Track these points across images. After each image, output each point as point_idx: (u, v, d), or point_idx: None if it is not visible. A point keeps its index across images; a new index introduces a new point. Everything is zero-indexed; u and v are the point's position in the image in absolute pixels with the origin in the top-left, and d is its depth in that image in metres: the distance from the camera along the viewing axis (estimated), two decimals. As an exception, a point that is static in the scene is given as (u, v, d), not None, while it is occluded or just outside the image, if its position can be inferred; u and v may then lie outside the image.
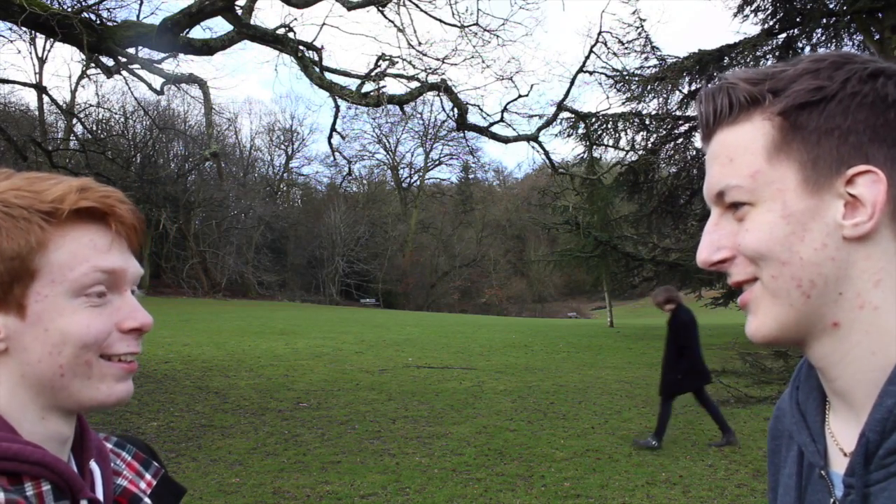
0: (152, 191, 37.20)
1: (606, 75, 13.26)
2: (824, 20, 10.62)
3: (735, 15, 11.75)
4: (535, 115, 14.02)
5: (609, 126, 13.91)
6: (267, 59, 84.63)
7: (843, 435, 0.63)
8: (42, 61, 31.90)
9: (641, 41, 13.01)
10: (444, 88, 10.12)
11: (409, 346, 14.93)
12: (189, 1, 7.69)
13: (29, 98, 45.79)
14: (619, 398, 8.99)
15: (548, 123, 12.51)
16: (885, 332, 0.58)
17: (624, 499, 4.93)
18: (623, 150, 14.52)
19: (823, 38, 11.20)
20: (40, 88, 19.14)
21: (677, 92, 12.50)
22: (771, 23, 11.33)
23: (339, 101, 9.95)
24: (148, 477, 0.81)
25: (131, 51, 8.64)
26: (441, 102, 12.04)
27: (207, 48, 8.51)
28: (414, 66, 10.75)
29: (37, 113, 30.96)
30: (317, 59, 9.23)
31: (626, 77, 12.96)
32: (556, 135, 18.38)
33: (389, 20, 10.60)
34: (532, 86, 39.89)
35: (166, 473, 0.84)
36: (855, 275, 0.58)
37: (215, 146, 8.73)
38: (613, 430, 7.07)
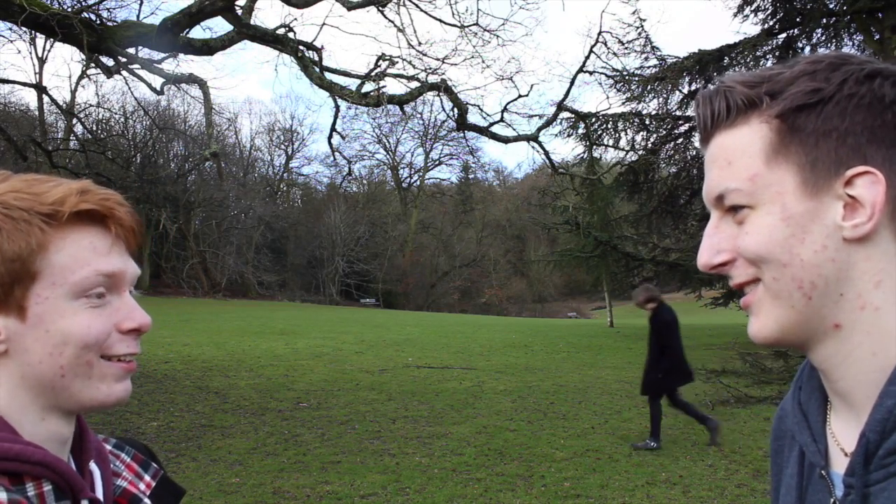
0: (152, 191, 37.20)
1: (606, 75, 13.26)
2: (824, 20, 10.61)
3: (735, 15, 11.75)
4: (535, 115, 14.03)
5: (609, 126, 13.92)
6: (267, 59, 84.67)
7: (844, 435, 0.63)
8: (42, 61, 31.92)
9: (641, 41, 13.02)
10: (444, 88, 10.12)
11: (409, 346, 14.94)
12: (189, 1, 7.69)
13: (29, 98, 45.78)
14: (619, 398, 8.99)
15: (548, 123, 12.51)
16: (885, 333, 0.58)
17: (624, 499, 4.94)
18: (623, 150, 14.53)
19: (823, 38, 11.20)
20: (40, 88, 19.14)
21: (677, 92, 12.51)
22: (771, 23, 11.33)
23: (339, 101, 9.95)
24: (147, 478, 0.81)
25: (131, 51, 8.64)
26: (441, 102, 12.05)
27: (207, 48, 8.51)
28: (414, 66, 10.76)
29: (37, 113, 30.97)
30: (317, 59, 9.23)
31: (626, 77, 12.96)
32: (556, 135, 18.39)
33: (389, 20, 10.60)
34: (532, 86, 39.92)
35: (165, 474, 0.84)
36: (855, 276, 0.58)
37: (215, 146, 8.73)
38: (613, 430, 7.07)
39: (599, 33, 12.86)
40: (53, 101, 21.65)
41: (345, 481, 5.31)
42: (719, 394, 8.57)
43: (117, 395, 0.70)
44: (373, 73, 9.67)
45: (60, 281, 0.66)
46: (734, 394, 8.41)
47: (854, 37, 10.83)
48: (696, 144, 13.45)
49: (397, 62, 10.11)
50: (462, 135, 16.11)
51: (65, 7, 7.92)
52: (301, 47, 8.98)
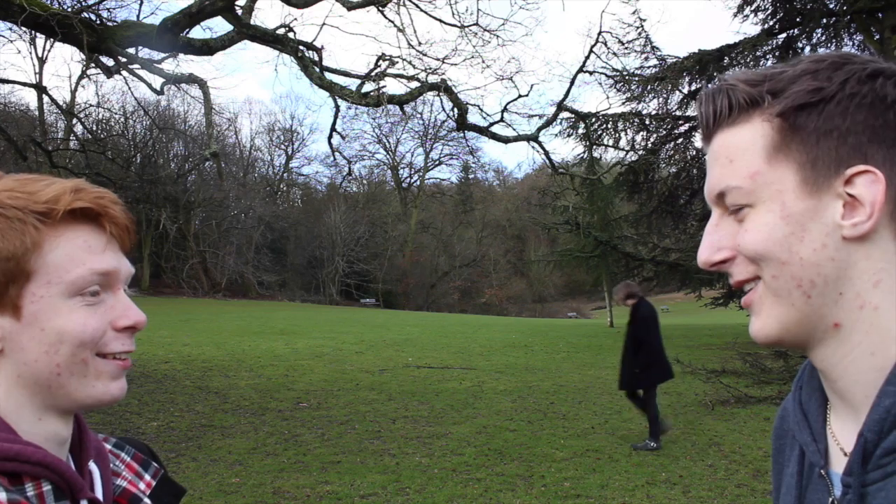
0: (152, 191, 37.20)
1: (606, 75, 13.26)
2: (824, 20, 10.61)
3: (735, 15, 11.75)
4: (535, 115, 14.05)
5: (609, 126, 13.92)
6: (267, 59, 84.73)
7: (843, 435, 0.63)
8: (42, 61, 31.92)
9: (641, 41, 13.01)
10: (444, 88, 10.12)
11: (409, 346, 14.94)
12: (189, 1, 7.69)
13: (29, 98, 45.89)
14: (619, 398, 8.97)
15: (548, 123, 12.51)
16: (884, 333, 0.58)
17: (624, 499, 4.93)
18: (623, 150, 14.53)
19: (823, 38, 11.20)
20: (40, 88, 19.15)
21: (677, 92, 12.51)
22: (771, 23, 11.32)
23: (339, 101, 9.95)
24: (147, 478, 0.81)
25: (131, 51, 8.63)
26: (441, 102, 12.05)
27: (207, 48, 8.51)
28: (414, 66, 10.76)
29: (37, 113, 30.97)
30: (317, 59, 9.23)
31: (626, 77, 12.96)
32: (556, 135, 18.39)
33: (389, 20, 10.59)
34: (532, 86, 39.92)
35: (165, 474, 0.84)
36: (855, 275, 0.58)
37: (215, 146, 8.72)
38: (613, 430, 7.07)
39: (599, 33, 12.86)
40: (53, 101, 21.64)
41: (345, 481, 5.31)
42: (719, 394, 8.57)
43: (113, 393, 0.70)
44: (373, 73, 9.67)
45: (55, 280, 0.66)
46: (734, 394, 8.41)
47: (854, 37, 10.83)
48: (697, 144, 13.45)
49: (397, 62, 10.11)
50: (462, 135, 16.10)
51: (65, 7, 7.92)
52: (301, 47, 8.98)
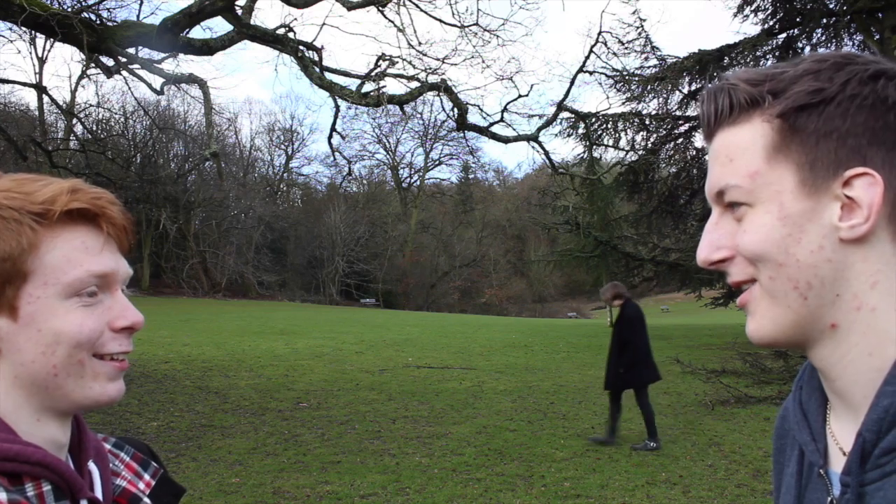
0: (152, 191, 37.20)
1: (606, 75, 13.26)
2: (824, 20, 10.62)
3: (735, 15, 11.76)
4: (535, 115, 14.06)
5: (609, 126, 13.92)
6: (267, 59, 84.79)
7: (842, 434, 0.63)
8: (42, 61, 31.94)
9: (641, 41, 13.02)
10: (444, 88, 10.12)
11: (409, 346, 14.94)
12: (189, 1, 7.69)
13: (29, 98, 45.87)
14: (619, 398, 8.99)
15: (548, 123, 12.51)
16: (882, 334, 0.58)
17: (624, 499, 4.93)
18: (623, 150, 14.54)
19: (823, 38, 11.20)
20: (40, 88, 19.15)
21: (677, 92, 12.51)
22: (771, 23, 11.33)
23: (339, 101, 9.95)
24: (146, 477, 0.81)
25: (131, 51, 8.64)
26: (441, 102, 12.05)
27: (207, 48, 8.51)
28: (414, 66, 10.76)
29: (37, 113, 30.98)
30: (317, 59, 9.23)
31: (626, 77, 12.96)
32: (556, 135, 18.39)
33: (389, 20, 10.59)
34: (532, 86, 39.95)
35: (165, 473, 0.84)
36: (852, 276, 0.58)
37: (215, 146, 8.72)
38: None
39: (599, 33, 12.87)
40: (53, 101, 21.68)
41: (345, 481, 5.31)
42: (719, 394, 8.57)
43: (110, 393, 0.70)
44: (373, 73, 9.67)
45: (52, 280, 0.65)
46: (734, 394, 8.41)
47: (854, 37, 10.83)
48: (697, 144, 13.45)
49: (397, 62, 10.11)
50: (462, 135, 16.11)
51: (65, 7, 7.92)
52: (301, 47, 8.98)
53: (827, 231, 0.58)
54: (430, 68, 10.96)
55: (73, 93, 31.13)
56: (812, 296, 0.59)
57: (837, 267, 0.58)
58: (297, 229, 49.16)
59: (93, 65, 11.31)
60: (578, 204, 18.26)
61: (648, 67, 12.95)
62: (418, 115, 48.11)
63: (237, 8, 8.27)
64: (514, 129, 14.36)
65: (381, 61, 9.81)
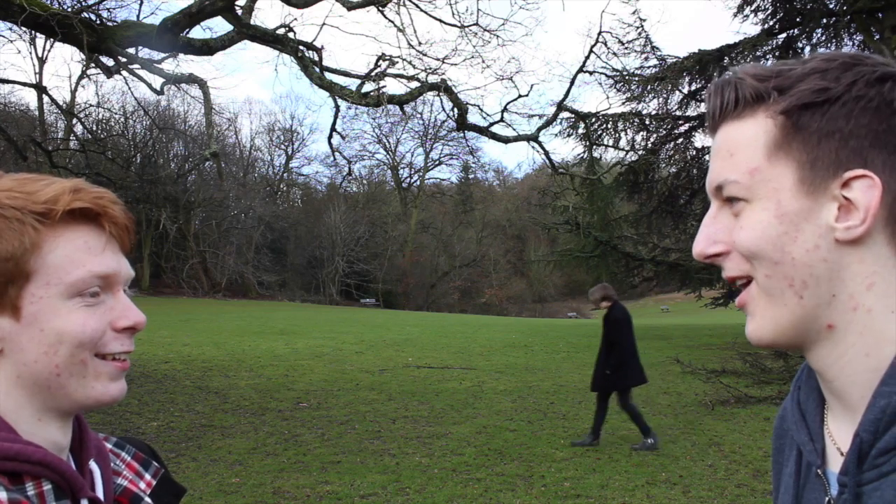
0: (152, 191, 37.18)
1: (606, 75, 13.26)
2: (824, 20, 10.62)
3: (735, 15, 11.76)
4: (535, 115, 14.04)
5: (609, 126, 13.92)
6: (267, 59, 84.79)
7: (840, 435, 0.63)
8: (42, 61, 31.95)
9: (641, 41, 13.02)
10: (444, 88, 10.12)
11: (409, 346, 14.94)
12: (189, 1, 7.69)
13: (29, 98, 45.93)
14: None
15: (548, 123, 12.50)
16: (878, 334, 0.58)
17: (624, 499, 4.94)
18: (623, 150, 14.53)
19: (823, 38, 11.21)
20: (40, 88, 19.15)
21: (677, 92, 12.52)
22: (771, 23, 11.33)
23: (339, 101, 9.95)
24: (147, 477, 0.81)
25: (131, 51, 8.63)
26: (441, 102, 12.04)
27: (207, 48, 8.51)
28: (414, 66, 10.75)
29: (37, 113, 30.99)
30: (317, 59, 9.23)
31: (626, 77, 12.96)
32: (556, 135, 18.37)
33: (389, 20, 10.59)
34: (532, 86, 39.90)
35: (166, 473, 0.84)
36: (847, 277, 0.58)
37: (215, 146, 8.72)
38: (613, 430, 7.06)
39: (599, 33, 12.84)
40: (53, 101, 21.66)
41: (345, 481, 5.31)
42: (719, 394, 8.57)
43: (112, 393, 0.70)
44: (373, 73, 9.67)
45: (55, 281, 0.66)
46: (734, 394, 8.41)
47: (854, 37, 10.83)
48: (697, 144, 13.45)
49: (397, 62, 10.11)
50: (462, 135, 16.10)
51: (65, 7, 7.92)
52: (301, 47, 8.98)
53: (823, 231, 0.58)
54: (430, 68, 10.96)
55: (73, 93, 31.17)
56: (808, 295, 0.59)
57: (833, 267, 0.58)
58: (297, 229, 49.17)
59: (93, 65, 11.32)
60: (578, 204, 18.24)
61: (648, 67, 12.96)
62: (418, 115, 48.16)
63: (237, 8, 8.27)
64: (514, 129, 14.36)
65: (381, 61, 9.81)
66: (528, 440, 6.67)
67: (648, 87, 12.41)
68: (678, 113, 13.08)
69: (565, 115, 13.26)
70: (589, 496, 4.99)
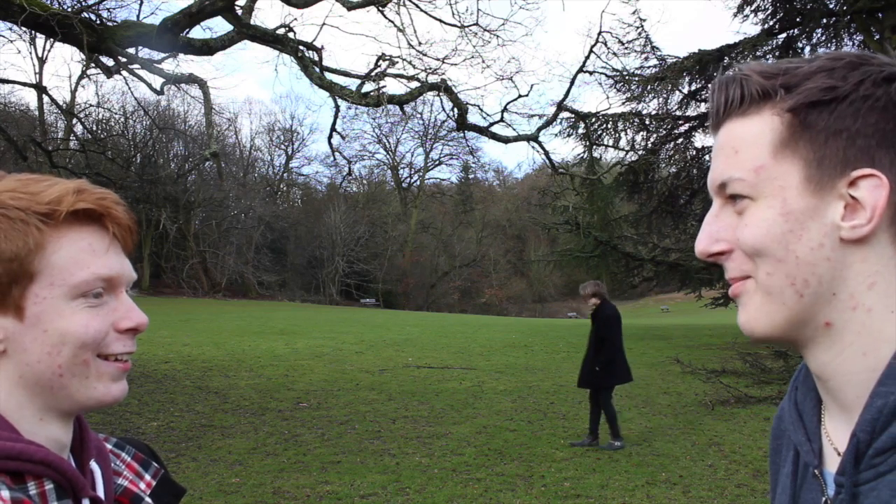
0: (152, 191, 37.20)
1: (606, 75, 13.25)
2: (824, 20, 10.62)
3: (735, 15, 11.76)
4: (535, 115, 14.02)
5: (609, 126, 13.92)
6: (267, 59, 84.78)
7: (837, 435, 0.63)
8: (42, 61, 31.95)
9: (641, 41, 13.02)
10: (444, 88, 10.12)
11: (409, 346, 14.94)
12: (189, 1, 7.69)
13: (29, 98, 45.91)
14: (618, 398, 8.97)
15: (548, 123, 12.51)
16: (876, 334, 0.58)
17: (624, 499, 4.94)
18: (623, 150, 14.53)
19: (823, 38, 11.21)
20: (40, 88, 19.15)
21: (677, 92, 12.51)
22: (771, 23, 11.33)
23: (339, 101, 9.95)
24: (147, 477, 0.81)
25: (131, 51, 8.64)
26: (441, 102, 12.05)
27: (207, 48, 8.51)
28: (414, 66, 10.76)
29: (37, 113, 30.99)
30: (317, 59, 9.23)
31: (626, 77, 12.96)
32: (556, 135, 18.36)
33: (389, 20, 10.59)
34: (532, 86, 39.90)
35: (166, 474, 0.84)
36: (850, 276, 0.58)
37: (215, 146, 8.73)
38: (613, 430, 7.06)
39: (599, 33, 12.85)
40: (53, 101, 21.66)
41: (345, 481, 5.32)
42: (719, 394, 8.57)
43: (114, 394, 0.70)
44: (373, 73, 9.67)
45: (59, 282, 0.66)
46: (734, 394, 8.42)
47: (854, 37, 10.83)
48: (697, 144, 13.44)
49: (397, 62, 10.11)
50: (462, 135, 16.10)
51: (65, 7, 7.92)
52: (301, 47, 8.98)
53: (828, 229, 0.58)
54: (430, 68, 10.97)
55: (73, 93, 31.15)
56: (809, 293, 0.59)
57: (836, 266, 0.58)
58: (297, 229, 49.17)
59: (93, 65, 11.32)
60: (578, 204, 18.24)
61: (648, 67, 12.95)
62: (418, 115, 48.13)
63: (237, 8, 8.27)
64: (514, 129, 14.36)
65: (381, 61, 9.82)
66: (528, 440, 6.67)
67: (648, 87, 12.41)
68: (678, 113, 13.08)
69: (565, 115, 13.27)
70: (589, 496, 4.99)
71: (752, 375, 9.28)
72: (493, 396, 9.03)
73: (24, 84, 23.68)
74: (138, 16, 9.29)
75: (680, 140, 13.63)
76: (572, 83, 12.68)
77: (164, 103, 36.69)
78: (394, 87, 61.46)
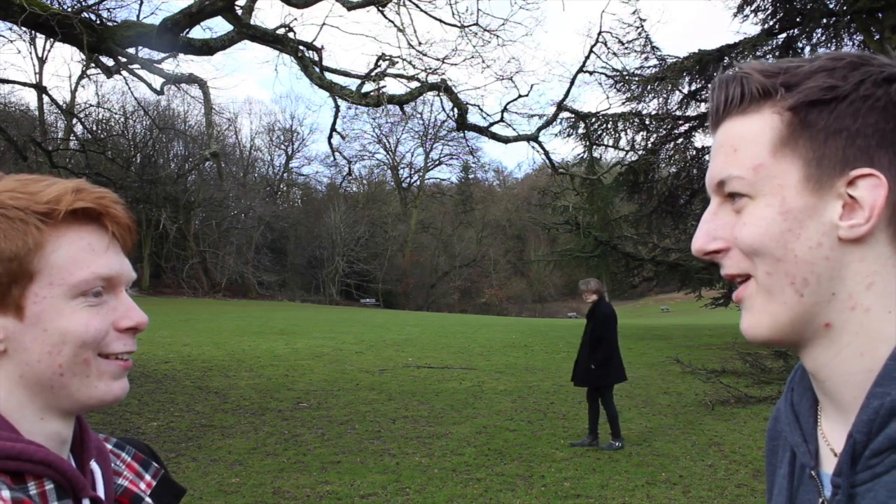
0: (152, 191, 37.20)
1: (606, 75, 13.25)
2: (824, 20, 10.62)
3: (735, 15, 11.76)
4: (535, 115, 14.01)
5: (609, 126, 13.92)
6: (267, 59, 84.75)
7: (833, 436, 0.63)
8: (42, 61, 31.96)
9: (641, 41, 13.02)
10: (444, 88, 10.12)
11: (409, 346, 14.94)
12: (189, 1, 7.70)
13: (29, 98, 45.87)
14: (618, 398, 8.96)
15: (548, 123, 12.51)
16: (874, 334, 0.58)
17: (624, 499, 4.94)
18: (623, 150, 14.53)
19: (823, 38, 11.21)
20: (40, 88, 19.15)
21: (677, 92, 12.51)
22: (771, 23, 11.33)
23: (339, 101, 9.95)
24: (147, 478, 0.81)
25: (131, 51, 8.64)
26: (441, 102, 12.04)
27: (207, 48, 8.51)
28: (414, 66, 10.76)
29: (37, 113, 30.99)
30: (317, 59, 9.23)
31: (626, 77, 12.96)
32: (556, 135, 18.35)
33: (389, 20, 10.59)
34: (532, 86, 39.90)
35: (166, 474, 0.84)
36: (848, 276, 0.58)
37: (215, 146, 8.73)
38: (613, 430, 7.06)
39: (599, 33, 12.85)
40: (53, 101, 21.65)
41: (345, 481, 5.32)
42: (719, 394, 8.57)
43: (115, 392, 0.70)
44: (373, 73, 9.67)
45: (58, 281, 0.66)
46: (734, 394, 8.42)
47: (854, 37, 10.83)
48: (697, 144, 13.44)
49: (397, 62, 10.11)
50: (462, 135, 16.11)
51: (65, 7, 7.92)
52: (301, 47, 8.98)
53: (827, 229, 0.58)
54: (430, 68, 10.97)
55: (73, 93, 31.15)
56: (808, 293, 0.59)
57: (834, 265, 0.58)
58: (297, 229, 49.17)
59: (93, 65, 11.32)
60: (578, 204, 18.24)
61: (648, 67, 12.95)
62: (418, 115, 48.14)
63: (237, 8, 8.27)
64: (514, 129, 14.35)
65: (381, 61, 9.82)
66: (528, 440, 6.67)
67: (648, 87, 12.41)
68: (678, 113, 13.08)
69: (565, 115, 13.27)
70: (589, 496, 4.99)
71: (752, 375, 9.28)
72: (493, 396, 9.03)
73: (24, 84, 23.70)
74: (138, 16, 9.29)
75: (680, 140, 13.64)
76: (572, 83, 12.69)
77: (164, 103, 36.73)
78: (394, 87, 61.46)
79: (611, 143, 14.28)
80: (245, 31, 8.47)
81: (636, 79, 12.76)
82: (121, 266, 0.71)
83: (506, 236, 57.31)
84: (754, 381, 8.99)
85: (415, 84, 10.35)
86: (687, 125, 13.27)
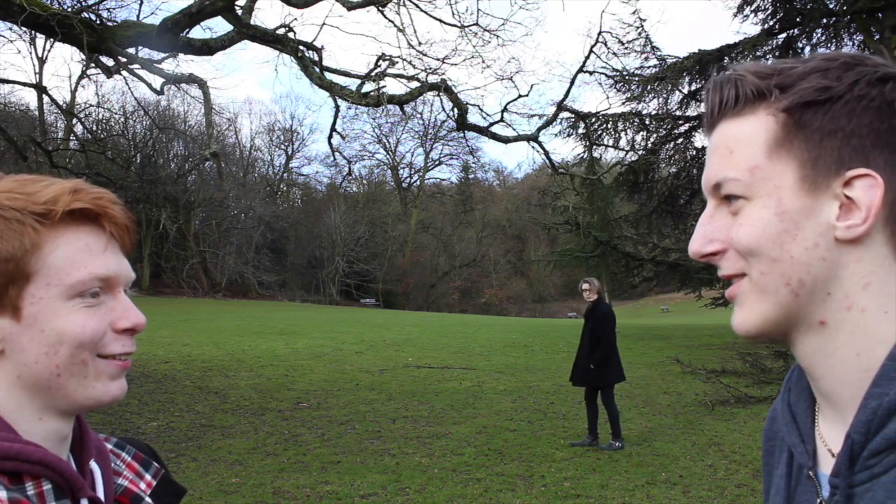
0: (152, 191, 37.20)
1: (606, 75, 13.26)
2: (824, 20, 10.61)
3: (735, 15, 11.76)
4: (535, 115, 14.01)
5: (609, 126, 13.92)
6: (267, 59, 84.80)
7: (831, 436, 0.63)
8: (42, 61, 31.96)
9: (641, 41, 13.02)
10: (444, 88, 10.12)
11: (409, 346, 14.94)
12: (189, 1, 7.70)
13: (29, 98, 45.86)
14: (618, 398, 8.95)
15: (548, 123, 12.51)
16: (870, 334, 0.58)
17: (624, 499, 4.94)
18: (623, 150, 14.53)
19: (823, 38, 11.21)
20: (40, 88, 19.15)
21: (677, 92, 12.52)
22: (771, 23, 11.33)
23: (339, 101, 9.95)
24: (148, 477, 0.81)
25: (131, 51, 8.64)
26: (441, 102, 12.04)
27: (207, 48, 8.51)
28: (414, 66, 10.76)
29: (37, 113, 30.98)
30: (317, 59, 9.24)
31: (626, 77, 12.96)
32: (556, 135, 18.37)
33: (389, 20, 10.59)
34: (532, 86, 39.91)
35: (166, 474, 0.84)
36: (844, 276, 0.58)
37: (215, 146, 8.73)
38: (613, 430, 7.06)
39: (599, 33, 12.86)
40: (53, 101, 21.68)
41: (345, 481, 5.32)
42: (719, 394, 8.57)
43: (113, 393, 0.70)
44: (373, 73, 9.67)
45: (55, 282, 0.66)
46: (734, 394, 8.42)
47: (854, 37, 10.83)
48: (697, 144, 13.44)
49: (397, 62, 10.11)
50: (462, 135, 16.11)
51: (65, 7, 7.93)
52: (301, 47, 8.98)
53: (823, 229, 0.58)
54: (430, 68, 10.97)
55: (73, 93, 31.13)
56: (804, 293, 0.59)
57: (831, 266, 0.58)
58: (297, 229, 49.17)
59: (93, 65, 11.32)
60: (578, 204, 18.25)
61: (648, 67, 12.95)
62: (418, 115, 48.12)
63: (237, 8, 8.28)
64: (514, 129, 14.35)
65: (381, 61, 9.82)
66: (528, 440, 6.67)
67: (648, 87, 12.41)
68: (678, 113, 13.08)
69: (565, 115, 13.27)
70: (589, 496, 4.99)
71: (752, 375, 9.28)
72: (493, 396, 9.03)
73: (24, 84, 23.71)
74: (138, 16, 9.29)
75: (680, 140, 13.64)
76: (572, 83, 12.69)
77: (164, 103, 36.72)
78: (394, 87, 61.45)
79: (611, 143, 14.29)
80: (245, 31, 8.47)
81: (636, 79, 12.76)
82: (119, 267, 0.71)
83: (506, 236, 57.31)
84: (754, 381, 8.99)
85: (415, 84, 10.35)
86: (687, 125, 13.27)
